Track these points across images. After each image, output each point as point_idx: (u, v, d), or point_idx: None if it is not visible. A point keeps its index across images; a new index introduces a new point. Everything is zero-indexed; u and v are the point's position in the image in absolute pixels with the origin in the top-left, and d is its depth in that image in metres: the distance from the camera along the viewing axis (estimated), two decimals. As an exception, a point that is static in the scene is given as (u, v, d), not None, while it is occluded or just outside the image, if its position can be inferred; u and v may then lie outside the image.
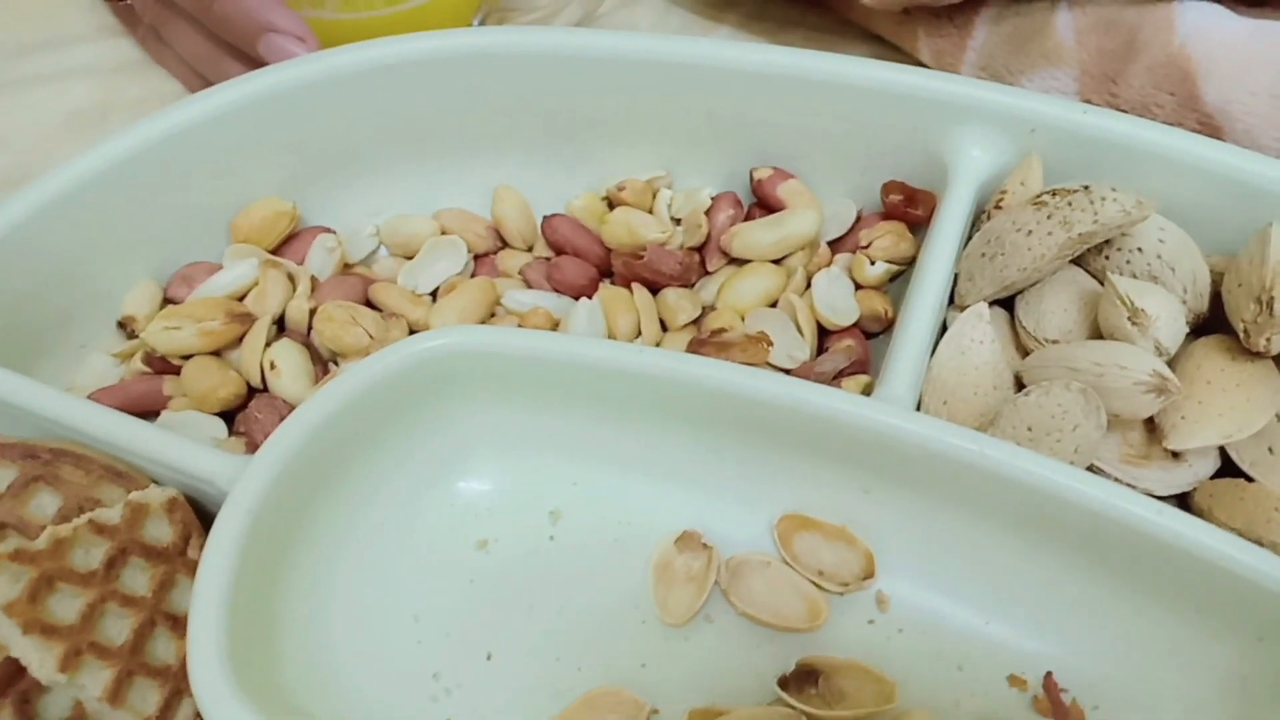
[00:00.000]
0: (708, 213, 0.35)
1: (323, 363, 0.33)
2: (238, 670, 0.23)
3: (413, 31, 0.37)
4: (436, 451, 0.29)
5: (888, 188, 0.34)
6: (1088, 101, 0.36)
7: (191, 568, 0.26)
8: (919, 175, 0.35)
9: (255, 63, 0.40)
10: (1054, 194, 0.30)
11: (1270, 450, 0.27)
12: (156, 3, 0.45)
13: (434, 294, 0.36)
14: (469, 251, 0.37)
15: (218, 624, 0.23)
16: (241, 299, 0.34)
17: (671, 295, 0.34)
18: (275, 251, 0.35)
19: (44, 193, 0.32)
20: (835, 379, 0.30)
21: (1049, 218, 0.29)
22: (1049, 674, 0.26)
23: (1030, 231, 0.30)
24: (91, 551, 0.24)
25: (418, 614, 0.28)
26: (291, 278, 0.34)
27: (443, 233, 0.37)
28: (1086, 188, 0.29)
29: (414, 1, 0.43)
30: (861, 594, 0.28)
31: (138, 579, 0.25)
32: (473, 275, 0.37)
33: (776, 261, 0.34)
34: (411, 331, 0.33)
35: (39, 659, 0.23)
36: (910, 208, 0.34)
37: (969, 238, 0.32)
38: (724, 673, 0.27)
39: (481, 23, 0.46)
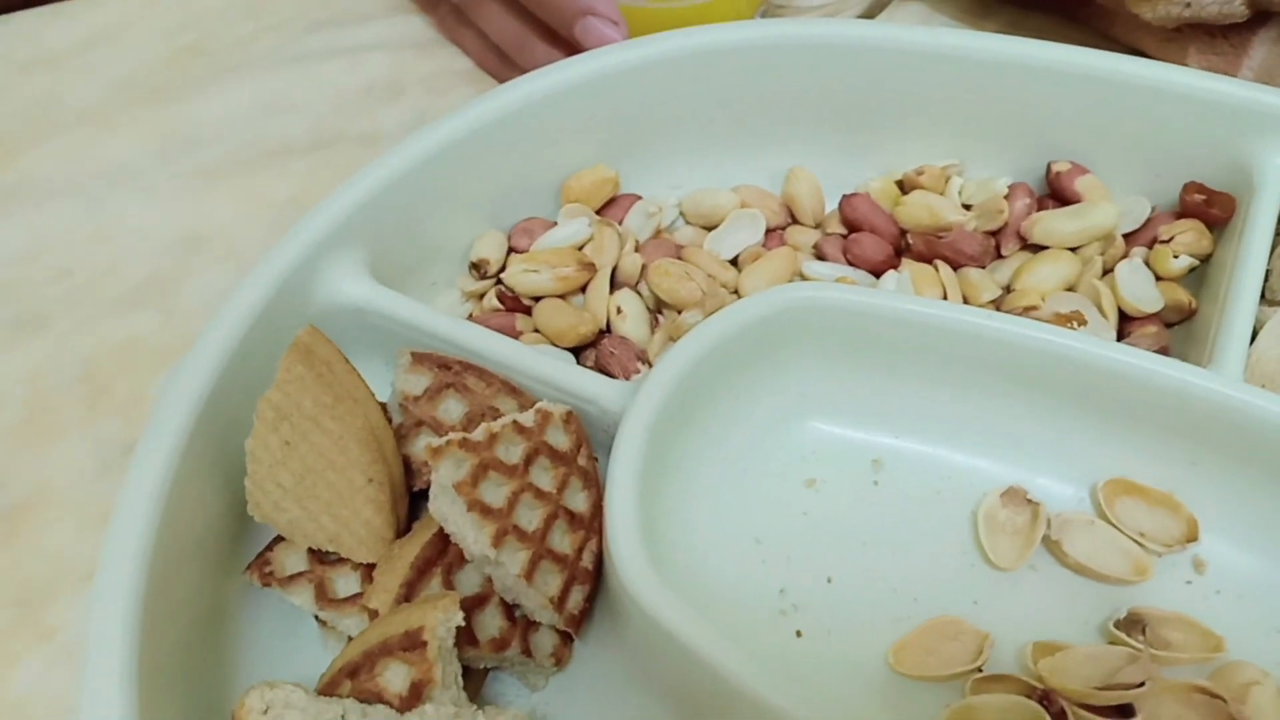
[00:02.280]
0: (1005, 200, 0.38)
1: (650, 312, 0.36)
2: (647, 553, 0.26)
3: (705, 22, 0.40)
4: (774, 395, 0.32)
5: (1189, 188, 0.36)
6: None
7: (581, 473, 0.29)
8: (1213, 177, 0.36)
9: (565, 44, 0.44)
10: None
11: None
12: (467, -15, 0.50)
13: (733, 261, 0.39)
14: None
15: (632, 514, 0.26)
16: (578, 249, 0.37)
17: (974, 274, 0.36)
18: (598, 213, 0.39)
19: (409, 153, 0.35)
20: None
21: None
22: (1371, 646, 0.27)
23: (1350, 235, 0.31)
24: (512, 449, 0.28)
25: (759, 537, 0.31)
26: (619, 236, 0.38)
27: (742, 207, 0.40)
28: None
29: (708, -6, 0.46)
30: (1179, 556, 0.29)
31: (544, 477, 0.28)
32: (763, 248, 0.40)
33: (1072, 250, 0.36)
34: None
35: (475, 535, 0.27)
36: (1209, 208, 0.36)
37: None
38: (1050, 615, 0.29)
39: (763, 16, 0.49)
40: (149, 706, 0.25)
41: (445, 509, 0.27)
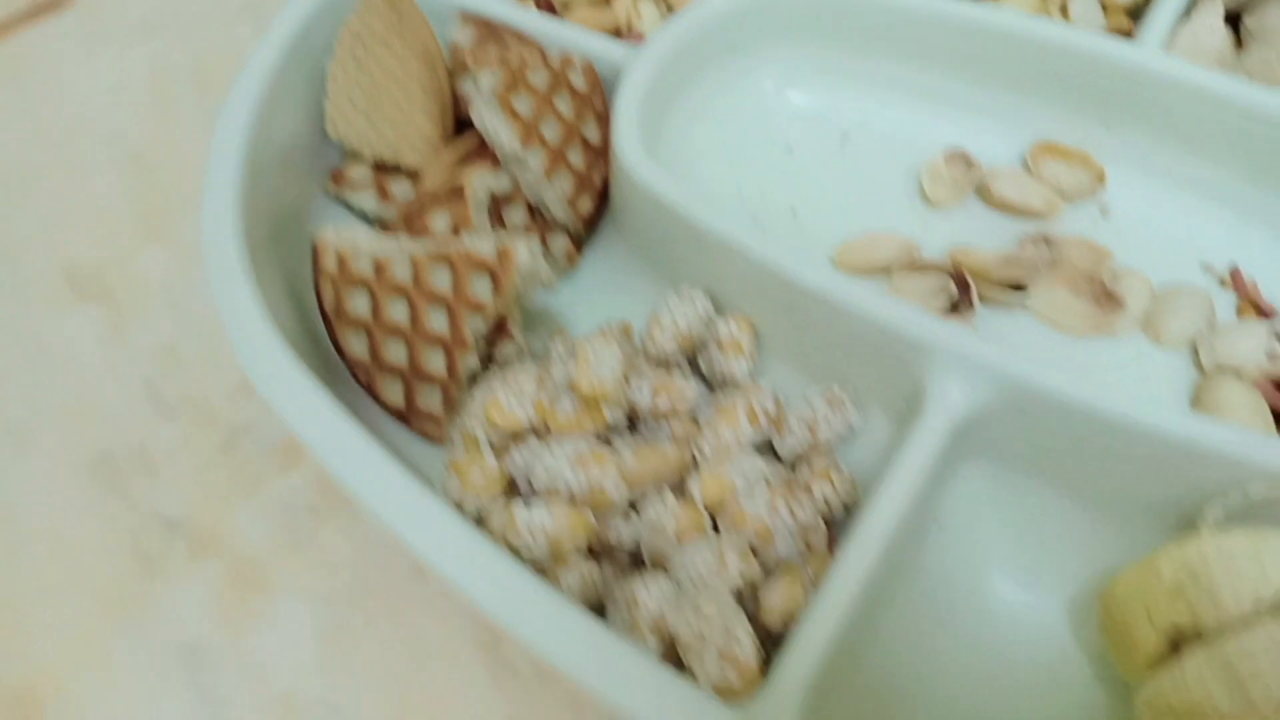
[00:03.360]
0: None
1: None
2: (646, 148, 0.32)
3: None
4: (761, 69, 0.38)
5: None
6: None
7: (596, 113, 0.36)
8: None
9: None
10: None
11: None
12: None
13: None
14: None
15: (635, 122, 0.33)
16: (606, -25, 0.43)
17: (948, 3, 0.41)
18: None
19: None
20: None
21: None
22: (1235, 266, 0.33)
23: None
24: (539, 75, 0.34)
25: (739, 184, 0.37)
26: (643, -35, 0.44)
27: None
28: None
29: None
30: (1089, 203, 0.35)
31: (564, 106, 0.35)
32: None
33: (1037, -9, 0.42)
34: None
35: (507, 134, 0.33)
36: (1158, -49, 0.41)
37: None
38: (973, 238, 0.35)
39: None
40: (256, 264, 0.31)
41: (483, 112, 0.34)
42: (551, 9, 0.42)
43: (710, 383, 0.33)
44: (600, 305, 0.35)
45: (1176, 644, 0.25)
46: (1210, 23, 0.36)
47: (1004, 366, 0.26)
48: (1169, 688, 0.24)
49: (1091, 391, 0.25)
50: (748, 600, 0.27)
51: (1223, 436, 0.25)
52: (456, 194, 0.32)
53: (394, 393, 0.32)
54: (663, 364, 0.32)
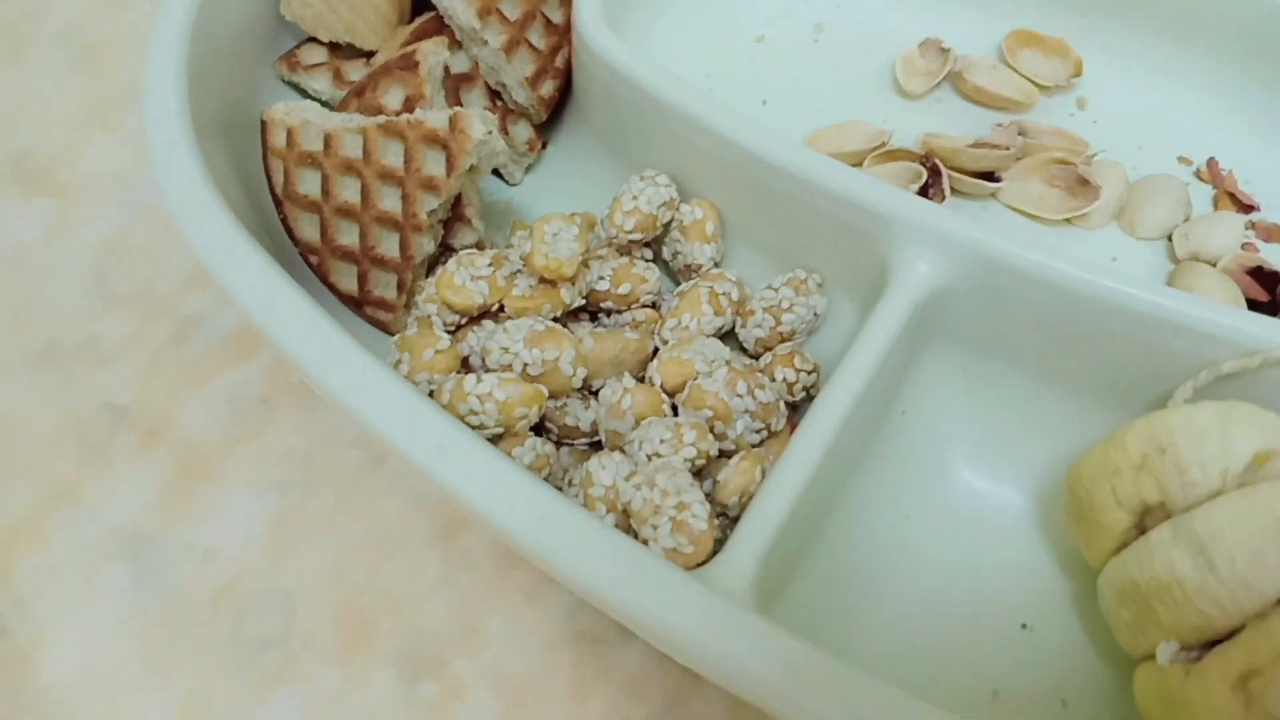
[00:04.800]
0: None
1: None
2: (610, 26, 0.31)
3: None
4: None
5: None
6: None
7: (558, -8, 0.34)
8: None
9: None
10: None
11: None
12: None
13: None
14: None
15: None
16: None
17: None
18: None
19: None
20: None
21: None
22: (1212, 158, 0.32)
23: None
24: (500, -49, 0.33)
25: (710, 73, 0.36)
26: None
27: None
28: None
29: None
30: (1066, 96, 0.34)
31: (526, -18, 0.33)
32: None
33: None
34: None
35: (463, 8, 0.32)
36: None
37: None
38: (948, 131, 0.34)
39: None
40: (205, 151, 0.30)
41: (441, -13, 0.32)
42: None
43: (674, 273, 0.32)
44: (565, 199, 0.34)
45: (1143, 526, 0.25)
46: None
47: (972, 239, 0.25)
48: (1132, 563, 0.24)
49: (1061, 262, 0.25)
50: (705, 481, 0.26)
51: (1195, 309, 0.24)
52: (409, 65, 0.30)
53: (347, 278, 0.31)
54: (625, 251, 0.31)
